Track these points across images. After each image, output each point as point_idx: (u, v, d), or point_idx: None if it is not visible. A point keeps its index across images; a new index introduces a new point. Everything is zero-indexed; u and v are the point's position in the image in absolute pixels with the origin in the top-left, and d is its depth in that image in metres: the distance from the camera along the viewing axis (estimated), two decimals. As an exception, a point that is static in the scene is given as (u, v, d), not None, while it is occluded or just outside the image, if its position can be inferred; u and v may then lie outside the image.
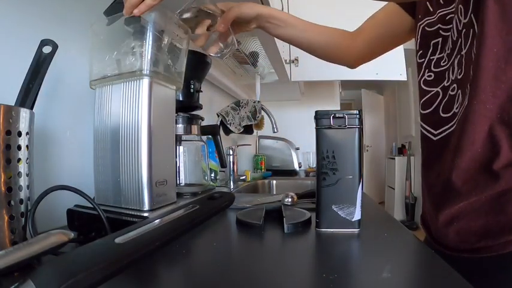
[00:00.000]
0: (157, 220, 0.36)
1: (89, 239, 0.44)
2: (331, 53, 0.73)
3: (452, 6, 0.50)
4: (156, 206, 0.49)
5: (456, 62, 0.47)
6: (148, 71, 0.49)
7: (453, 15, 0.49)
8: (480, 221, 0.43)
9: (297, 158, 1.86)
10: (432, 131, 0.51)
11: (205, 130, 0.82)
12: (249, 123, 1.32)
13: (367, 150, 4.48)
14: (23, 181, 0.39)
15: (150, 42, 0.50)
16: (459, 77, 0.46)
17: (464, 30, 0.46)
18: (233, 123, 1.27)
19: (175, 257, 0.40)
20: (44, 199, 0.41)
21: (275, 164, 1.83)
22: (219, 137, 0.84)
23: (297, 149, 1.91)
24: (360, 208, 0.49)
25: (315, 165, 1.95)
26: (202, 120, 0.78)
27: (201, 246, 0.46)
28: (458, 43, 0.47)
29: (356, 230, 0.49)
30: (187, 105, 0.77)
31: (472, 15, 0.44)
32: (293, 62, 1.61)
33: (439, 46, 0.52)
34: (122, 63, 0.51)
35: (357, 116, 0.50)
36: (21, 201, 0.39)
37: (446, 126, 0.48)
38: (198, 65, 0.77)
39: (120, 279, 0.25)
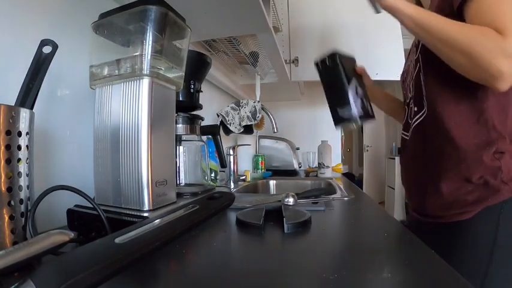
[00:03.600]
0: (157, 220, 0.36)
1: (89, 239, 0.44)
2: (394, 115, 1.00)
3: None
4: (156, 206, 0.49)
5: (411, 84, 0.72)
6: (148, 71, 0.49)
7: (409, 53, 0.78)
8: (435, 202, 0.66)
9: (297, 158, 1.86)
10: (406, 133, 0.75)
11: (205, 130, 0.81)
12: (249, 123, 1.32)
13: (367, 150, 4.48)
14: (23, 181, 0.39)
15: (150, 42, 0.50)
16: (411, 95, 0.72)
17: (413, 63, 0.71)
18: (233, 123, 1.27)
19: (175, 257, 0.40)
20: (44, 199, 0.41)
21: (275, 164, 1.83)
22: (219, 137, 0.84)
23: (297, 149, 1.91)
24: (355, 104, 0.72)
25: (314, 165, 1.93)
26: (202, 120, 0.78)
27: (201, 246, 0.46)
28: (410, 72, 0.73)
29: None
30: (187, 105, 0.77)
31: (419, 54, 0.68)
32: (293, 62, 1.61)
33: (405, 76, 0.79)
34: (121, 63, 0.51)
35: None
36: (21, 201, 0.39)
37: (410, 129, 0.72)
38: (198, 65, 0.77)
39: (120, 279, 0.25)
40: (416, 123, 0.69)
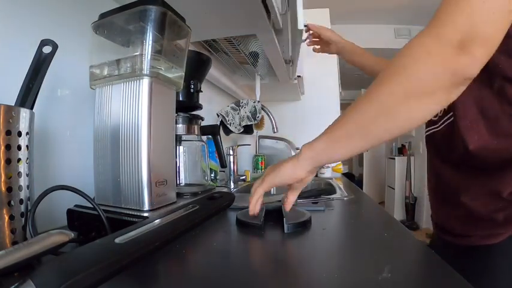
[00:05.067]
0: (158, 220, 0.36)
1: (89, 239, 0.44)
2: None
3: None
4: (156, 206, 0.49)
5: None
6: (148, 71, 0.49)
7: None
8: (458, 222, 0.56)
9: (297, 158, 1.85)
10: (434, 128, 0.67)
11: (205, 130, 0.82)
12: (249, 123, 1.32)
13: (367, 150, 4.48)
14: (23, 181, 0.39)
15: (150, 42, 0.50)
16: None
17: None
18: (233, 123, 1.27)
19: (175, 257, 0.40)
20: (44, 199, 0.41)
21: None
22: (219, 137, 0.84)
23: (297, 149, 1.91)
24: None
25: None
26: (202, 120, 0.78)
27: (201, 246, 0.46)
28: None
29: None
30: (187, 105, 0.77)
31: None
32: (293, 62, 1.61)
33: None
34: (121, 63, 0.51)
35: None
36: (21, 201, 0.39)
37: (434, 126, 0.64)
38: (198, 65, 0.77)
39: (120, 279, 0.25)
40: (446, 123, 0.59)
